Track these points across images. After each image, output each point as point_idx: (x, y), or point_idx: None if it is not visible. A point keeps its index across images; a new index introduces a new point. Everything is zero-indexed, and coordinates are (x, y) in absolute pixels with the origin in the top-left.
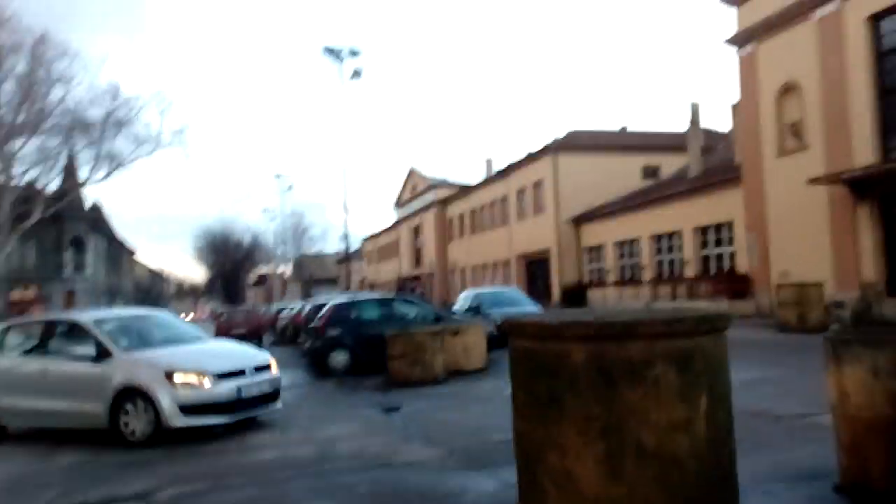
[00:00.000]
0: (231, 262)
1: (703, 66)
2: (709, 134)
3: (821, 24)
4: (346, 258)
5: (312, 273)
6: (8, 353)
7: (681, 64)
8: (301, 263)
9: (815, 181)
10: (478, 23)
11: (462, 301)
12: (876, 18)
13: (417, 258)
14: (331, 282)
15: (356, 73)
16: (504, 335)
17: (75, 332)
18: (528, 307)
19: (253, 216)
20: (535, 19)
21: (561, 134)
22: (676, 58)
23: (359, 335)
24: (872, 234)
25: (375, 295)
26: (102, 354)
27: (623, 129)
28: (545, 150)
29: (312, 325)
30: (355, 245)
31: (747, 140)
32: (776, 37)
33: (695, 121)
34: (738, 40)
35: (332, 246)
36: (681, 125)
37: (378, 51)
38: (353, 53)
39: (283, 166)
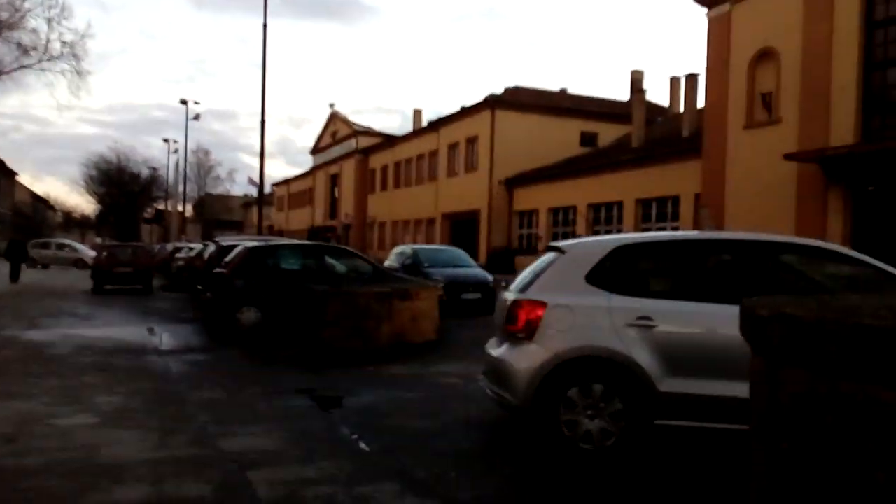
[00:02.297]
0: (126, 194)
1: (644, 35)
2: (649, 106)
3: None
4: (260, 198)
5: (216, 214)
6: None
7: (622, 30)
8: (204, 203)
9: (791, 157)
10: None
11: (395, 258)
12: None
13: (333, 208)
14: (235, 225)
15: None
16: (454, 301)
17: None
18: (475, 270)
19: (153, 148)
20: None
21: (500, 90)
22: (618, 23)
23: (276, 289)
24: (842, 219)
25: (299, 241)
26: None
27: (563, 91)
28: (484, 104)
29: (217, 270)
30: (265, 190)
31: (712, 109)
32: None
33: (639, 89)
34: (711, 0)
35: (240, 189)
36: (619, 94)
37: None
38: None
39: (190, 93)
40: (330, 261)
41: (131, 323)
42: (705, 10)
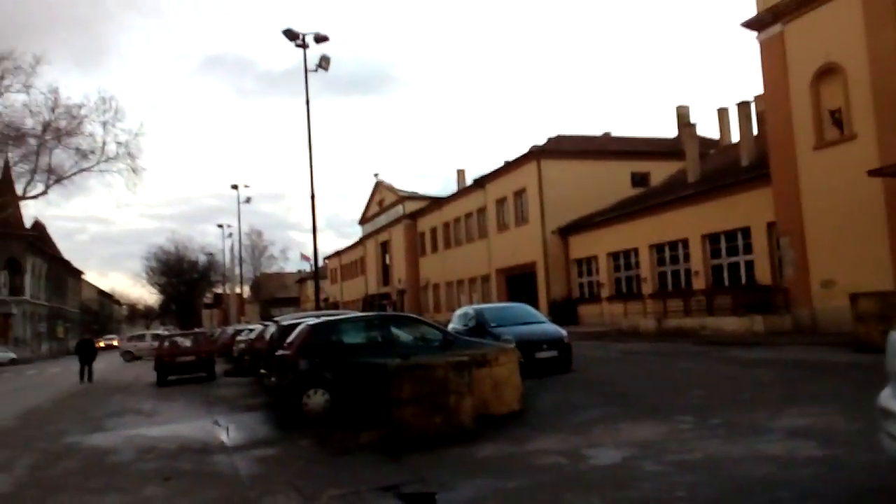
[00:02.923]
0: (185, 282)
1: (684, 69)
2: (700, 140)
3: None
4: (316, 271)
5: (272, 293)
6: None
7: (660, 67)
8: (259, 283)
9: (876, 172)
10: (439, 29)
11: (458, 320)
12: None
13: (386, 275)
14: (292, 301)
15: (324, 61)
16: (528, 361)
17: None
18: (546, 325)
19: (208, 235)
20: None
21: (542, 140)
22: (655, 60)
23: (343, 367)
24: None
25: (360, 314)
26: None
27: (607, 135)
28: (528, 157)
29: (279, 352)
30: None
31: (776, 133)
32: (807, 14)
33: (686, 123)
34: (759, 23)
35: (293, 266)
36: (664, 131)
37: (342, 57)
38: (319, 40)
39: (240, 179)
40: (396, 331)
41: (196, 416)
42: (755, 33)
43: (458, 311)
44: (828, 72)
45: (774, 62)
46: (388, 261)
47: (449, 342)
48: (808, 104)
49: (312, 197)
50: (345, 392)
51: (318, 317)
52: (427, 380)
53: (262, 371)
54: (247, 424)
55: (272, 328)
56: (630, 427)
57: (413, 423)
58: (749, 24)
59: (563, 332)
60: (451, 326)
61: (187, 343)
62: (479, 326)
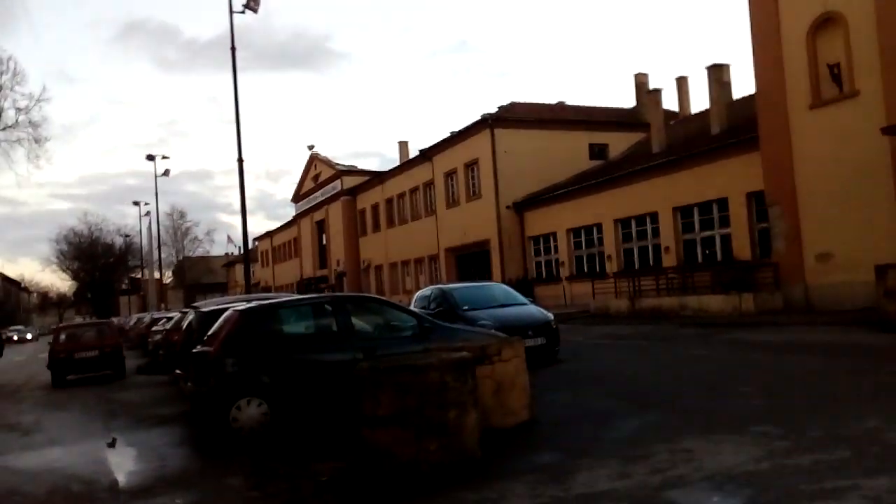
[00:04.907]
0: (100, 267)
1: (638, 39)
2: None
3: None
4: (246, 251)
5: (197, 278)
6: None
7: (612, 37)
8: (183, 267)
9: (890, 130)
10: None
11: (419, 303)
12: None
13: (323, 257)
14: (219, 287)
15: (252, 2)
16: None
17: None
18: (530, 308)
19: (127, 217)
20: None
21: (494, 108)
22: (607, 29)
23: (286, 368)
24: None
25: (309, 296)
26: None
27: (561, 104)
28: (480, 125)
29: (198, 348)
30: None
31: (766, 92)
32: None
33: (650, 91)
34: None
35: (220, 249)
36: (620, 102)
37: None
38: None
39: (162, 155)
40: (355, 317)
41: (88, 433)
42: None
43: (420, 293)
44: (826, 22)
45: (766, 13)
46: (324, 241)
47: (426, 330)
48: (804, 59)
49: (240, 161)
50: (290, 402)
51: (248, 301)
52: (416, 387)
53: (178, 372)
54: (154, 448)
55: (191, 316)
56: (702, 447)
57: (395, 452)
58: None
59: (550, 315)
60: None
61: (90, 335)
62: (448, 311)
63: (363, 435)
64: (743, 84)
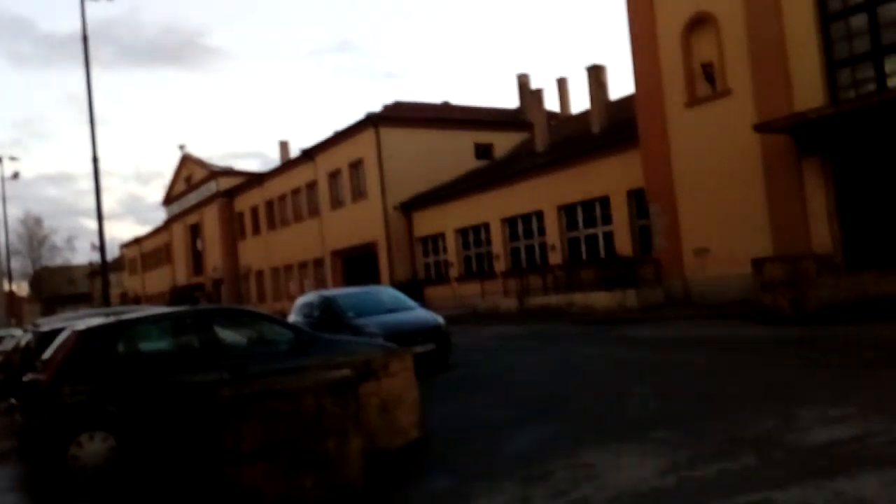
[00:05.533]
0: None
1: (517, 41)
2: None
3: None
4: (103, 259)
5: (56, 289)
6: None
7: (495, 38)
8: (40, 277)
9: (763, 127)
10: None
11: (300, 311)
12: None
13: (197, 263)
14: (83, 298)
15: None
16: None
17: None
18: (419, 312)
19: None
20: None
21: (378, 107)
22: (490, 32)
23: (138, 395)
24: (825, 193)
25: (166, 309)
26: None
27: (446, 104)
28: (364, 123)
29: (29, 377)
30: (114, 254)
31: (644, 91)
32: None
33: (530, 92)
34: None
35: (83, 257)
36: (503, 102)
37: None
38: None
39: (13, 157)
40: (221, 332)
41: None
42: None
43: (302, 300)
44: (700, 22)
45: (642, 11)
46: (199, 246)
47: (305, 343)
48: (679, 59)
49: (95, 161)
50: (142, 434)
51: (106, 316)
52: (288, 416)
53: (13, 402)
54: None
55: (28, 336)
56: (603, 459)
57: (264, 491)
58: None
59: (440, 318)
60: (290, 319)
61: None
62: (333, 318)
63: (225, 472)
64: (620, 85)
